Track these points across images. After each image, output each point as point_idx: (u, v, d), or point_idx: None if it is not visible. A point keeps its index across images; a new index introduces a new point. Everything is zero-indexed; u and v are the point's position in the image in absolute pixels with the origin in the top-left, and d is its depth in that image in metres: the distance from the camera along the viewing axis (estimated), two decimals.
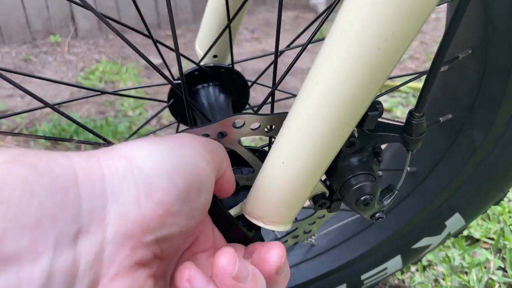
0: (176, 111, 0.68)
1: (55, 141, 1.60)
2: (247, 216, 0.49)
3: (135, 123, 1.71)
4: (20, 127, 1.71)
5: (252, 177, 0.54)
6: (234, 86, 0.68)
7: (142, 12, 0.50)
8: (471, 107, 0.68)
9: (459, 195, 0.77)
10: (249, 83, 0.69)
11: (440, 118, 0.72)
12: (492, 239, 1.18)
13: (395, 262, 0.89)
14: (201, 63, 0.66)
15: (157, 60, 2.25)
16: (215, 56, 0.69)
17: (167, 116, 1.79)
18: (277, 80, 0.50)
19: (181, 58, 0.47)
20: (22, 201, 0.24)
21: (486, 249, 1.15)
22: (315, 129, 0.40)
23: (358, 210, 0.51)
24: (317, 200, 0.53)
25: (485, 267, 1.09)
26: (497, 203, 0.80)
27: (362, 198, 0.49)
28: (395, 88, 0.63)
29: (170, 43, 0.54)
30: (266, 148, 0.55)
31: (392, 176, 0.87)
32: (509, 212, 1.26)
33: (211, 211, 0.48)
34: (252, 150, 0.52)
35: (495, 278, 1.06)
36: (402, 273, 1.10)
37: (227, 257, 0.34)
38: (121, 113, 1.80)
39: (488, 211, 1.27)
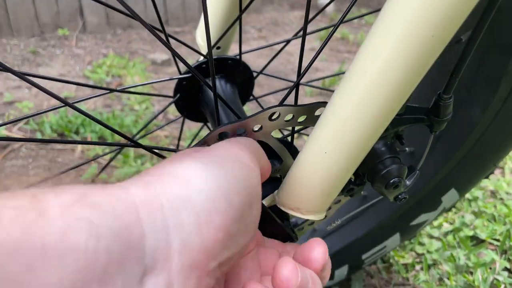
0: (182, 106, 0.67)
1: (62, 132, 1.61)
2: (282, 208, 0.49)
3: (141, 117, 1.72)
4: (27, 118, 1.71)
5: (279, 168, 0.53)
6: (241, 78, 0.68)
7: (150, 9, 0.50)
8: (470, 86, 0.69)
9: (456, 172, 0.80)
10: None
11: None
12: (498, 240, 1.18)
13: (394, 239, 0.93)
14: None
15: (163, 56, 2.26)
16: (218, 48, 0.69)
17: (173, 111, 1.79)
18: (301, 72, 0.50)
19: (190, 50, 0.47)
20: (89, 248, 0.22)
21: (492, 250, 1.15)
22: (361, 118, 0.39)
23: (386, 193, 0.52)
24: (346, 187, 0.53)
25: (490, 268, 1.09)
26: (487, 176, 0.84)
27: (391, 181, 0.50)
28: None
29: (180, 38, 0.54)
30: (289, 139, 0.55)
31: None
32: None
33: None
34: (281, 141, 0.52)
35: (500, 278, 1.06)
36: (407, 271, 1.10)
37: (289, 268, 0.33)
38: (127, 107, 1.81)
39: (494, 213, 1.27)
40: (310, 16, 0.53)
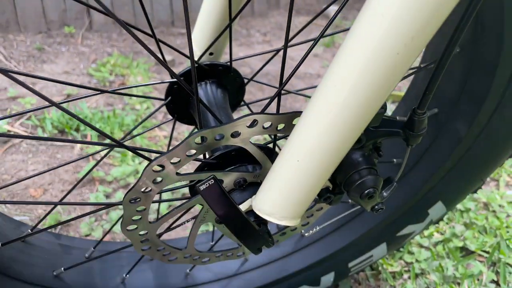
0: (173, 109, 0.69)
1: (62, 129, 1.63)
2: (258, 212, 0.50)
3: (141, 116, 1.74)
4: (29, 114, 1.74)
5: (259, 174, 0.55)
6: (232, 84, 0.69)
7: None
8: (456, 101, 0.71)
9: (443, 185, 0.83)
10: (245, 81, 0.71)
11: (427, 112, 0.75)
12: (487, 252, 1.19)
13: (381, 249, 0.95)
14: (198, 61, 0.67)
15: (167, 57, 2.28)
16: (211, 54, 0.70)
17: None
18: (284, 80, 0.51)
19: (180, 55, 0.49)
20: None
21: (481, 262, 1.16)
22: (333, 129, 0.42)
23: (361, 202, 0.53)
24: (322, 195, 0.55)
25: (477, 279, 1.10)
26: (475, 191, 0.86)
27: (366, 192, 0.51)
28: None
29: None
30: (270, 145, 0.57)
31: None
32: (507, 227, 1.26)
33: (222, 207, 0.49)
34: (260, 147, 0.53)
35: None
36: (395, 279, 1.11)
37: None
38: (128, 106, 1.83)
39: (486, 225, 1.27)
40: (318, 22, 0.55)
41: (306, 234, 0.69)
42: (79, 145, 1.58)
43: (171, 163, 0.48)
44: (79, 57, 2.26)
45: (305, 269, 0.92)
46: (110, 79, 2.03)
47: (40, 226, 0.77)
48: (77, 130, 1.63)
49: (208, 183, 0.47)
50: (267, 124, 0.49)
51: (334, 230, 0.93)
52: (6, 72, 0.40)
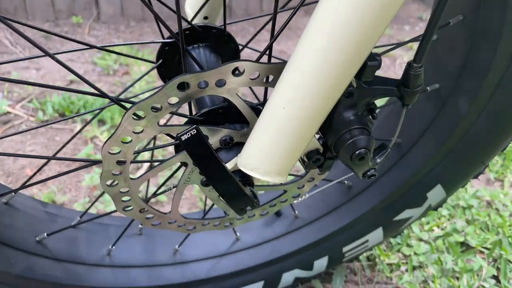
0: (164, 73, 0.67)
1: (63, 112, 1.62)
2: (242, 168, 0.48)
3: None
4: (31, 97, 1.73)
5: (246, 132, 0.53)
6: (225, 49, 0.67)
7: None
8: (458, 76, 0.68)
9: (442, 167, 0.79)
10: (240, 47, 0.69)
11: (427, 88, 0.72)
12: (488, 249, 1.15)
13: (377, 234, 0.91)
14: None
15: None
16: (205, 18, 0.68)
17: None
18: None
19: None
20: None
21: (482, 258, 1.12)
22: (320, 73, 0.40)
23: (352, 165, 0.51)
24: (311, 157, 0.53)
25: (477, 275, 1.06)
26: (476, 176, 0.81)
27: (357, 152, 0.49)
28: (393, 48, 0.63)
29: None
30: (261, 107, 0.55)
31: None
32: (510, 225, 1.23)
33: (204, 160, 0.47)
34: (252, 107, 0.51)
35: (486, 285, 1.03)
36: (391, 271, 1.08)
37: None
38: (131, 94, 1.82)
39: (488, 222, 1.24)
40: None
41: (295, 202, 0.66)
42: (78, 128, 1.57)
43: (152, 109, 0.46)
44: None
45: (297, 251, 0.89)
46: (114, 67, 2.02)
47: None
48: (77, 113, 1.62)
49: (190, 133, 0.45)
50: (254, 75, 0.47)
51: (329, 212, 0.90)
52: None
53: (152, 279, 0.79)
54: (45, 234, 0.70)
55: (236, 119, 0.54)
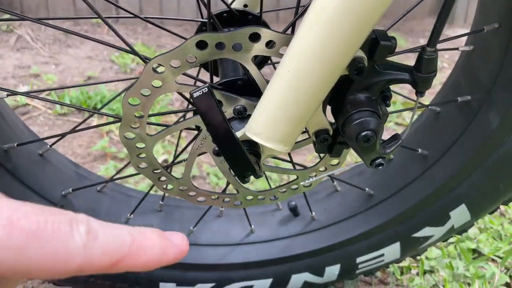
0: None
1: (80, 106, 1.65)
2: (247, 133, 0.49)
3: (159, 102, 1.75)
4: (48, 90, 1.76)
5: None
6: None
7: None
8: (490, 88, 0.67)
9: (469, 184, 0.75)
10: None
11: (458, 98, 0.71)
12: (500, 257, 1.14)
13: (393, 249, 0.87)
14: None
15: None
16: (245, 6, 0.71)
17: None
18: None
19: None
20: None
21: (494, 266, 1.11)
22: (323, 37, 0.41)
23: (359, 149, 0.51)
24: (319, 135, 0.53)
25: (489, 282, 1.05)
26: (506, 203, 0.78)
27: (363, 134, 0.49)
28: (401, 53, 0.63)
29: None
30: None
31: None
32: None
33: (213, 120, 0.48)
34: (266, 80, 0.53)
35: None
36: (402, 273, 1.07)
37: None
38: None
39: (501, 232, 1.23)
40: None
41: (305, 182, 0.66)
42: (95, 122, 1.59)
43: (171, 66, 0.48)
44: (103, 45, 2.29)
45: (309, 253, 0.87)
46: (131, 66, 2.05)
47: None
48: (94, 109, 1.65)
49: (202, 90, 0.46)
50: (270, 44, 0.48)
51: (347, 218, 0.87)
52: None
53: None
54: (71, 189, 0.73)
55: (253, 94, 0.55)
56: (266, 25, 0.68)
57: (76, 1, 2.50)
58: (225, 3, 0.65)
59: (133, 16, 0.62)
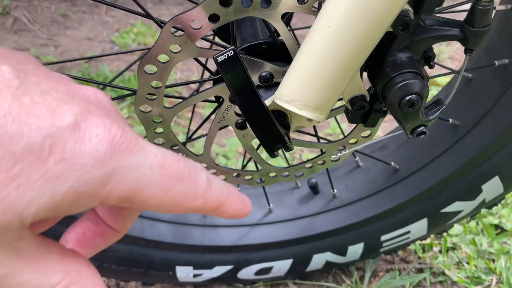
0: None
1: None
2: (278, 102, 0.44)
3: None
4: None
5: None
6: None
7: None
8: None
9: (502, 156, 0.70)
10: None
11: (495, 62, 0.66)
12: None
13: (420, 226, 0.82)
14: None
15: None
16: None
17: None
18: None
19: None
20: None
21: None
22: None
23: (400, 115, 0.46)
24: (356, 102, 0.48)
25: None
26: None
27: (408, 98, 0.44)
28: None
29: None
30: None
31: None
32: None
33: (239, 86, 0.44)
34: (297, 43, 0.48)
35: None
36: (424, 251, 1.04)
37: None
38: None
39: None
40: None
41: (332, 157, 0.61)
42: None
43: (192, 27, 0.43)
44: (103, 26, 2.23)
45: (331, 232, 0.83)
46: (132, 46, 1.99)
47: None
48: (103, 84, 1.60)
49: (227, 54, 0.41)
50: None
51: (371, 195, 0.82)
52: None
53: (180, 236, 0.76)
54: None
55: (280, 59, 0.50)
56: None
57: None
58: None
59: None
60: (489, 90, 0.69)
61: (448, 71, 0.71)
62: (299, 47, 0.47)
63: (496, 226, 1.12)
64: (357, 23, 0.37)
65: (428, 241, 1.05)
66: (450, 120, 0.73)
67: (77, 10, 2.37)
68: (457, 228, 1.08)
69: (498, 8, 0.64)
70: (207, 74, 0.62)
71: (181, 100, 0.52)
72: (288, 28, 0.66)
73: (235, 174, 0.61)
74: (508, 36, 0.65)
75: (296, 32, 0.63)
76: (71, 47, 1.95)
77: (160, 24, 0.49)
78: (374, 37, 0.39)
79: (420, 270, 1.00)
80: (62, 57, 1.86)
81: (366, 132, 0.58)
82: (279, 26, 0.45)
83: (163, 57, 0.46)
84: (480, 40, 0.43)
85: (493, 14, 0.69)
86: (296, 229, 0.84)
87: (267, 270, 0.85)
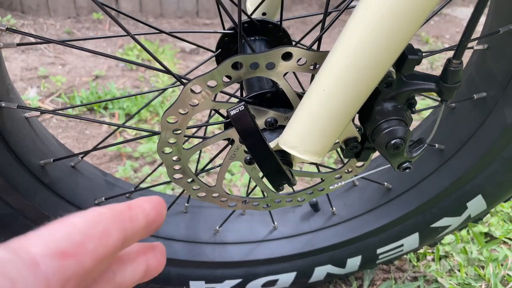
0: (222, 61, 0.71)
1: (91, 107, 1.67)
2: (282, 146, 0.52)
3: (167, 98, 1.76)
4: (59, 91, 1.78)
5: (290, 116, 0.57)
6: (279, 43, 0.71)
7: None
8: (506, 85, 0.70)
9: (484, 176, 0.78)
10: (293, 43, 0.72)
11: (474, 95, 0.73)
12: (511, 239, 1.18)
13: (412, 240, 0.90)
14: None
15: (192, 45, 2.30)
16: (264, 14, 0.72)
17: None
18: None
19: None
20: None
21: (506, 248, 1.15)
22: (358, 58, 0.43)
23: (388, 155, 0.54)
24: (349, 143, 0.56)
25: (502, 264, 1.09)
26: None
27: (393, 142, 0.51)
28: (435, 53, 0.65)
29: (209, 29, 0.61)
30: None
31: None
32: None
33: (249, 135, 0.51)
34: (298, 94, 0.55)
35: None
36: (418, 260, 1.11)
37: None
38: (155, 88, 1.86)
39: (511, 214, 1.26)
40: (346, 18, 0.57)
41: (331, 188, 0.69)
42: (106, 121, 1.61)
43: (208, 86, 0.51)
44: (107, 42, 2.31)
45: (331, 246, 0.91)
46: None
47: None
48: (105, 108, 1.67)
49: (239, 108, 0.49)
50: (301, 61, 0.51)
51: (366, 212, 0.91)
52: None
53: (193, 254, 0.84)
54: (103, 198, 0.77)
55: (282, 105, 0.58)
56: (285, 33, 0.70)
57: (76, 0, 2.49)
58: (245, 13, 0.67)
59: (158, 31, 0.64)
60: (471, 119, 0.76)
61: (433, 105, 0.78)
62: (297, 95, 0.55)
63: (486, 234, 1.19)
64: (348, 88, 0.45)
65: (422, 250, 1.13)
66: (436, 145, 0.81)
67: (81, 27, 2.44)
68: (449, 237, 1.16)
69: (476, 47, 0.72)
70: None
71: (197, 142, 0.59)
72: None
73: (245, 201, 0.68)
74: (485, 72, 0.73)
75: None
76: (78, 65, 2.02)
77: (180, 79, 0.56)
78: (362, 98, 0.47)
79: (415, 278, 1.07)
80: (70, 75, 1.94)
81: (360, 163, 0.66)
82: (282, 83, 0.53)
83: (183, 110, 0.54)
84: (453, 93, 0.50)
85: (471, 53, 0.77)
86: (299, 244, 0.92)
87: (273, 282, 0.92)
